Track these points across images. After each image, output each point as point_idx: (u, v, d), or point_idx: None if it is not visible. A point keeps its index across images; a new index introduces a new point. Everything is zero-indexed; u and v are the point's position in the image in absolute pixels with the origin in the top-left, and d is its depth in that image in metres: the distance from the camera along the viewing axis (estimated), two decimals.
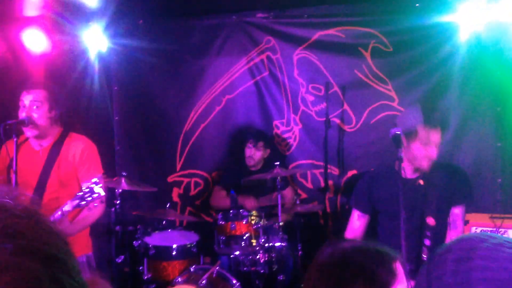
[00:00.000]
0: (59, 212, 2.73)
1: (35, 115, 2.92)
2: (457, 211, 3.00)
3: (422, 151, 2.89)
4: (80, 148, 3.06)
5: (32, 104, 2.92)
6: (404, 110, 3.04)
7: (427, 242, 2.91)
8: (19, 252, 0.60)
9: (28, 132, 2.93)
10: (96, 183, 2.68)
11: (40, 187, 2.97)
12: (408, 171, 3.02)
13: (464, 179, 3.04)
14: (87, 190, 2.68)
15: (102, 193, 2.69)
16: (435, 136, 2.86)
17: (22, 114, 2.91)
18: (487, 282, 0.92)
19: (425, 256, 2.90)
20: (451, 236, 2.96)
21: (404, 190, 2.87)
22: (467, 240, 1.02)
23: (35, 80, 3.08)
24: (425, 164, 2.93)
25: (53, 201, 2.96)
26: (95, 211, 2.99)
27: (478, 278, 0.93)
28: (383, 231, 3.14)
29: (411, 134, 2.89)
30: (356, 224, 3.19)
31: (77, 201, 2.69)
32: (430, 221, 2.89)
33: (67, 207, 2.72)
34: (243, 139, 4.52)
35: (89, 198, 2.68)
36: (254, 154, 4.41)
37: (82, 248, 3.13)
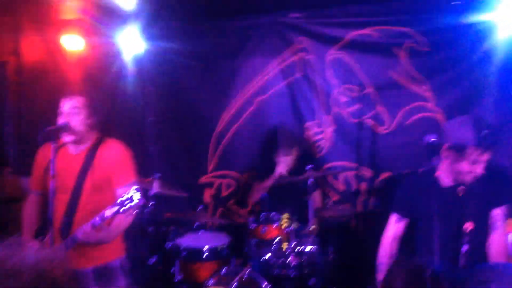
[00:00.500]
0: (97, 218, 2.78)
1: (73, 122, 2.98)
2: (497, 212, 2.87)
3: (468, 169, 2.75)
4: (114, 154, 3.11)
5: (70, 111, 2.99)
6: (453, 121, 2.85)
7: (464, 248, 2.83)
8: None
9: (66, 137, 3.00)
10: (135, 191, 2.73)
11: (77, 191, 3.03)
12: (446, 180, 2.93)
13: (504, 180, 2.90)
14: (127, 197, 2.73)
15: (141, 201, 2.74)
16: (486, 157, 2.71)
17: (61, 121, 2.97)
18: None
19: (462, 263, 2.81)
20: (493, 238, 2.86)
21: (441, 199, 2.80)
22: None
23: (74, 86, 3.15)
24: (468, 179, 2.80)
25: (89, 205, 3.02)
26: (130, 217, 3.04)
27: None
28: (420, 237, 3.06)
29: (460, 151, 2.73)
30: (394, 228, 3.12)
31: (117, 207, 2.73)
32: (468, 226, 2.79)
33: (107, 213, 2.77)
34: (274, 146, 4.50)
35: (129, 205, 2.73)
36: (288, 161, 4.42)
37: (116, 251, 3.19)
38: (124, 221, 3.04)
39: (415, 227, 3.10)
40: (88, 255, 3.01)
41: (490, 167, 2.92)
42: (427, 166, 2.74)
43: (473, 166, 2.72)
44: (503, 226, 2.89)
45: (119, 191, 3.02)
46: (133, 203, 2.72)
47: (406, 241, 3.15)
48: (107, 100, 3.20)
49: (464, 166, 2.74)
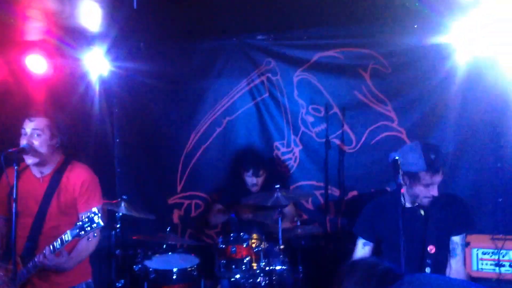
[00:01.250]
0: (58, 242, 2.72)
1: (36, 143, 2.91)
2: (456, 239, 3.00)
3: (424, 192, 2.90)
4: (81, 179, 3.05)
5: (33, 132, 2.92)
6: (404, 147, 2.99)
7: (428, 270, 2.90)
8: None
9: (29, 159, 2.93)
10: (95, 213, 2.67)
11: (41, 215, 2.96)
12: (408, 201, 3.02)
13: (464, 209, 3.04)
14: (87, 219, 2.67)
15: (102, 224, 2.68)
16: (437, 179, 2.87)
17: (23, 142, 2.91)
18: None
19: None
20: (452, 264, 2.95)
21: (404, 218, 2.87)
22: None
23: (36, 107, 3.08)
24: (426, 202, 2.95)
25: (54, 230, 2.95)
26: (93, 241, 2.99)
27: None
28: (386, 258, 3.11)
29: (413, 177, 2.89)
30: (361, 252, 3.17)
31: (76, 231, 2.68)
32: (431, 249, 2.89)
33: (66, 237, 2.71)
34: (243, 167, 4.51)
35: (88, 228, 2.67)
36: (257, 182, 4.44)
37: (81, 275, 3.11)
38: (86, 247, 2.99)
39: (380, 249, 3.16)
40: (51, 280, 2.93)
41: (449, 196, 3.04)
42: (394, 184, 2.81)
43: (427, 190, 2.88)
44: (462, 253, 2.99)
45: (84, 215, 2.96)
46: (94, 226, 2.67)
47: None
48: (71, 121, 3.13)
49: (419, 189, 2.90)
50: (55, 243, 2.74)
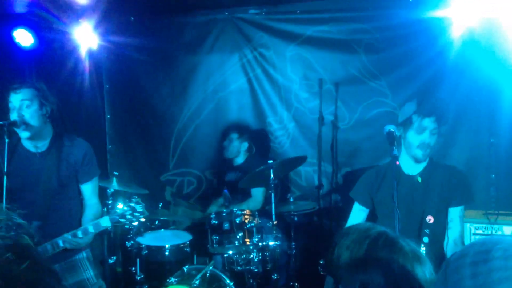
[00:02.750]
0: (91, 226, 2.71)
1: (27, 115, 2.85)
2: (455, 211, 2.98)
3: (416, 139, 2.92)
4: (82, 151, 3.04)
5: (22, 104, 2.84)
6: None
7: (425, 239, 2.90)
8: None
9: (22, 133, 2.87)
10: (138, 202, 2.67)
11: (45, 190, 2.92)
12: (406, 167, 3.01)
13: (464, 181, 3.03)
14: (128, 207, 2.67)
15: (147, 212, 2.71)
16: (428, 123, 2.89)
17: (13, 115, 2.83)
18: (508, 281, 0.92)
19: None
20: (450, 235, 2.94)
21: (402, 186, 2.91)
22: (481, 243, 1.02)
23: (21, 79, 3.00)
24: (420, 153, 2.93)
25: (57, 203, 2.94)
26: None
27: (499, 278, 0.93)
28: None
29: (405, 123, 2.96)
30: (356, 217, 3.17)
31: (116, 217, 2.68)
32: (430, 219, 2.89)
33: (104, 222, 2.72)
34: (225, 134, 4.54)
35: (130, 216, 2.67)
36: (228, 145, 4.46)
37: None
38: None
39: (376, 217, 3.15)
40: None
41: (449, 167, 3.04)
42: (389, 156, 2.81)
43: (420, 136, 2.91)
44: (461, 225, 2.99)
45: (84, 187, 3.04)
46: (136, 214, 2.69)
47: None
48: (60, 94, 3.07)
49: (412, 136, 2.93)
50: (88, 227, 2.74)
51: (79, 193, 3.11)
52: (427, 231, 2.90)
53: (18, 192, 2.87)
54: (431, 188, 2.96)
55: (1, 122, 2.74)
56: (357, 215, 3.17)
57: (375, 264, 1.29)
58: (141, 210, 2.71)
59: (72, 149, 3.03)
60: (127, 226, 2.78)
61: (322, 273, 1.57)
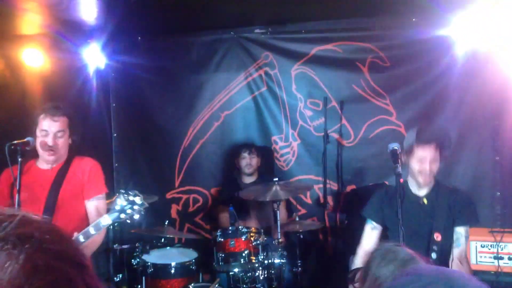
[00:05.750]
0: (92, 228, 2.67)
1: (59, 144, 2.93)
2: (460, 230, 3.02)
3: (417, 167, 2.96)
4: (89, 166, 3.08)
5: (57, 133, 2.92)
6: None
7: (433, 255, 2.93)
8: (58, 257, 0.70)
9: (49, 156, 2.93)
10: (135, 195, 2.63)
11: (51, 202, 2.95)
12: (413, 187, 3.06)
13: (468, 204, 3.08)
14: (126, 202, 2.62)
15: (146, 204, 2.65)
16: (428, 152, 2.92)
17: (47, 140, 2.88)
18: None
19: None
20: (454, 253, 2.96)
21: (410, 204, 2.96)
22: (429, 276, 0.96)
23: (55, 105, 3.02)
24: (422, 180, 2.99)
25: (64, 217, 2.93)
26: (101, 234, 2.97)
27: None
28: None
29: (407, 152, 2.99)
30: (370, 235, 3.17)
31: (116, 214, 2.63)
32: (437, 236, 2.93)
33: (105, 221, 2.66)
34: (235, 153, 4.56)
35: (129, 211, 2.62)
36: (251, 161, 4.48)
37: None
38: (97, 238, 2.95)
39: (386, 236, 3.16)
40: None
41: (453, 189, 3.08)
42: (393, 174, 2.83)
43: (420, 165, 2.95)
44: (465, 244, 3.01)
45: (89, 203, 3.02)
46: (136, 207, 2.62)
47: None
48: (83, 120, 3.14)
49: (414, 164, 2.98)
50: (89, 229, 2.67)
51: (85, 210, 3.08)
52: (435, 247, 2.94)
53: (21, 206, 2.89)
54: (437, 209, 3.01)
55: (15, 142, 2.79)
56: (370, 234, 3.18)
57: None
58: (140, 202, 2.65)
59: (80, 164, 3.08)
60: (128, 221, 2.67)
61: None
